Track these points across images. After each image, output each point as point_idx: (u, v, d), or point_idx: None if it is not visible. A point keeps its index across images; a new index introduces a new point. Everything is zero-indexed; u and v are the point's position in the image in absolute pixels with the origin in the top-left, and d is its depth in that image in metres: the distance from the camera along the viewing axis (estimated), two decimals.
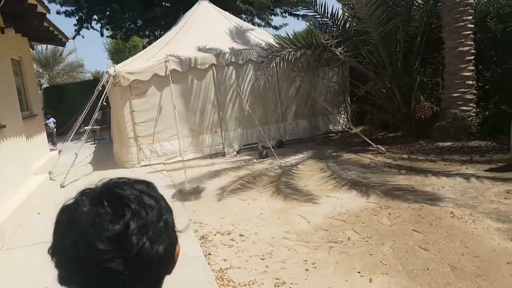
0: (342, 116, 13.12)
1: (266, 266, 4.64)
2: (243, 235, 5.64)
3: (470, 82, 9.89)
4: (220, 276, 4.51)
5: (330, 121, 13.00)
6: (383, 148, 9.85)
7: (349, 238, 5.19)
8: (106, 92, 11.13)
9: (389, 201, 6.39)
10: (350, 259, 4.64)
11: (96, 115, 17.55)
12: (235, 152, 11.65)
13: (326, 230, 5.52)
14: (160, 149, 11.20)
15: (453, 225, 5.21)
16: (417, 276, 4.07)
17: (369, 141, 10.20)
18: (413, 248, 4.69)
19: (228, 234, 5.74)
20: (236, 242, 5.44)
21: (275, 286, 4.20)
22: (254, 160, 10.67)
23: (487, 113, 9.77)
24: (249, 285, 4.28)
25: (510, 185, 6.49)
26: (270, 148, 10.41)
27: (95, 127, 17.16)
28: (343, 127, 13.20)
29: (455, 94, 9.99)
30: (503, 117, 9.08)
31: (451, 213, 5.62)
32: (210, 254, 5.14)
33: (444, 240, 4.78)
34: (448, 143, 9.77)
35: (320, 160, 9.91)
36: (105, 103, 11.38)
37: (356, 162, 9.33)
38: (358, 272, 4.29)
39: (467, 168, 7.83)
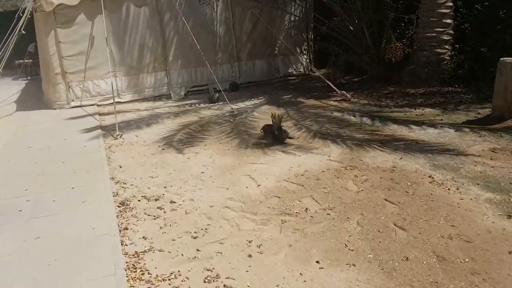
0: (304, 57, 11.80)
1: (198, 250, 3.50)
2: (174, 202, 4.45)
3: (448, 21, 8.77)
4: (133, 265, 3.34)
5: (291, 62, 11.68)
6: (348, 95, 8.72)
7: (307, 209, 4.11)
8: (24, 19, 9.23)
9: (355, 160, 5.33)
10: (306, 240, 3.56)
11: (29, 47, 15.58)
12: (182, 95, 10.21)
13: (279, 198, 4.41)
14: (93, 88, 9.60)
15: (434, 193, 4.22)
16: (393, 271, 3.06)
17: (333, 86, 9.03)
18: (387, 226, 3.66)
19: (156, 200, 4.53)
20: (165, 212, 4.25)
21: (204, 281, 3.08)
22: (203, 105, 9.33)
23: (463, 56, 8.74)
24: (168, 279, 3.13)
25: (494, 142, 5.56)
26: (222, 91, 9.05)
27: (26, 61, 15.11)
28: (305, 69, 11.93)
29: (430, 34, 8.87)
30: (481, 62, 8.10)
31: (429, 177, 4.63)
32: (127, 229, 3.94)
33: (424, 216, 3.78)
34: (420, 90, 8.79)
35: (278, 107, 8.70)
36: (23, 32, 9.46)
37: (318, 110, 8.19)
38: (317, 262, 3.23)
39: (441, 119, 6.87)
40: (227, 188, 4.75)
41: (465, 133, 6.04)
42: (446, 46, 8.86)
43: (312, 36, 11.95)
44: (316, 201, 4.29)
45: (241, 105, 9.15)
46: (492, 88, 7.46)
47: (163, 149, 6.32)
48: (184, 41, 9.92)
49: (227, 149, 6.17)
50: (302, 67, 11.82)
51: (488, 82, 7.89)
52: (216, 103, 9.36)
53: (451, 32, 8.83)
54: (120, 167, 5.63)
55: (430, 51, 8.83)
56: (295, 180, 4.85)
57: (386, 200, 4.17)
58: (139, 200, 4.55)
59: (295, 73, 11.79)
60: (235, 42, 10.70)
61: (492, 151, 5.24)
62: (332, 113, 7.91)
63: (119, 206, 4.42)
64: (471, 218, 3.68)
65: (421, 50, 8.98)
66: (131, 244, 3.66)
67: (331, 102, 8.78)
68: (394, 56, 8.88)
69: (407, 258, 3.18)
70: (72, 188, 4.88)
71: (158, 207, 4.35)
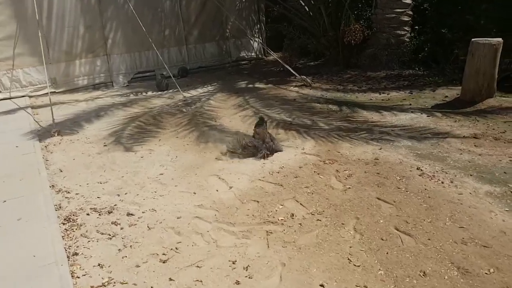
0: (257, 39, 11.15)
1: (171, 280, 2.82)
2: (132, 215, 3.70)
3: (407, 1, 8.49)
4: None
5: (243, 46, 11.01)
6: (308, 80, 8.22)
7: (293, 215, 3.54)
8: None
9: (332, 152, 4.82)
10: (301, 256, 2.99)
11: None
12: (125, 82, 9.23)
13: (258, 202, 3.81)
14: (23, 77, 8.40)
15: (428, 188, 3.80)
16: None
17: (293, 71, 8.49)
18: (389, 232, 3.17)
19: (109, 212, 3.76)
20: (122, 229, 3.50)
21: None
22: (151, 93, 8.46)
23: (423, 38, 8.52)
24: None
25: (473, 128, 5.29)
26: (171, 77, 8.22)
27: None
28: (257, 53, 11.31)
29: (389, 15, 8.56)
30: (442, 43, 7.89)
31: (418, 169, 4.22)
32: (76, 254, 3.16)
33: (427, 216, 3.34)
34: (380, 73, 8.48)
35: (235, 93, 8.05)
36: None
37: (279, 97, 7.62)
38: (321, 286, 2.65)
39: (410, 104, 6.56)
40: (194, 193, 4.07)
41: (438, 118, 5.74)
42: (406, 28, 8.59)
43: (264, 18, 11.31)
44: (301, 204, 3.73)
45: (194, 92, 8.39)
46: (456, 70, 7.28)
47: (109, 147, 5.47)
48: (126, 22, 8.93)
49: (186, 144, 5.45)
50: (254, 51, 11.19)
51: (451, 64, 7.71)
52: (166, 91, 8.54)
53: (410, 13, 8.57)
54: (61, 171, 4.75)
55: (390, 33, 8.53)
56: (272, 179, 4.26)
57: (379, 199, 3.70)
58: (88, 214, 3.76)
59: (247, 57, 11.15)
60: (182, 23, 9.83)
61: (474, 137, 4.94)
62: (295, 100, 7.38)
63: (64, 223, 3.61)
64: (478, 217, 3.29)
65: (381, 32, 8.66)
66: (84, 275, 2.91)
67: (292, 87, 8.25)
68: (354, 38, 8.49)
69: (425, 272, 2.70)
70: (4, 201, 3.98)
71: (112, 222, 3.59)
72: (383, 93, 7.30)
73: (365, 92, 7.49)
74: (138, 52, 9.24)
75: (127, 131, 6.11)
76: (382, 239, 3.10)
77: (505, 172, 4.01)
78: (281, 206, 3.72)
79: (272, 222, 3.47)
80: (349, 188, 3.95)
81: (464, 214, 3.34)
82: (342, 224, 3.35)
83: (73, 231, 3.48)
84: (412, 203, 3.56)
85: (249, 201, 3.85)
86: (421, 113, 6.02)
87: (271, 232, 3.32)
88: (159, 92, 8.47)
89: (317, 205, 3.68)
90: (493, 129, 5.18)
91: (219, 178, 4.39)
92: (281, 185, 4.10)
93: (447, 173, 4.09)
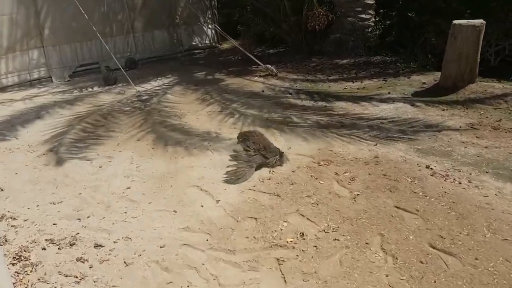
0: (210, 26, 10.34)
1: None
2: (101, 246, 2.92)
3: None
4: None
5: (195, 33, 10.17)
6: (274, 69, 7.60)
7: (302, 234, 2.93)
8: None
9: (324, 152, 4.26)
10: None
11: None
12: (66, 77, 8.12)
13: (256, 219, 3.15)
14: None
15: (448, 191, 3.33)
16: None
17: (256, 59, 7.82)
18: (427, 252, 2.65)
19: (72, 245, 2.96)
20: (91, 267, 2.72)
21: None
22: (98, 88, 7.47)
23: (388, 21, 8.17)
24: None
25: (465, 116, 4.95)
26: (118, 69, 7.29)
27: None
28: (211, 41, 10.52)
29: None
30: (409, 27, 7.57)
31: (427, 167, 3.76)
32: None
33: (461, 228, 2.86)
34: (348, 60, 8.04)
35: (195, 86, 7.27)
36: None
37: (245, 89, 6.95)
38: None
39: (388, 92, 6.15)
40: (175, 212, 3.34)
41: (425, 108, 5.36)
42: (370, 12, 8.22)
43: (216, 3, 10.51)
44: (307, 218, 3.13)
45: (148, 86, 7.52)
46: (429, 54, 6.98)
47: (58, 155, 4.56)
48: (64, 9, 7.78)
49: (151, 148, 4.66)
50: (208, 39, 10.39)
51: (419, 48, 7.41)
52: (115, 85, 7.59)
53: None
54: (2, 190, 3.81)
55: (355, 17, 8.10)
56: (264, 187, 3.62)
57: (398, 207, 3.17)
58: (44, 249, 2.93)
59: (201, 45, 10.35)
60: (128, 9, 8.81)
61: (472, 128, 4.58)
62: (263, 91, 6.75)
63: (13, 263, 2.76)
64: None
65: (345, 17, 8.21)
66: None
67: (256, 78, 7.61)
68: (318, 23, 7.97)
69: None
70: None
71: (78, 259, 2.80)
72: (356, 81, 6.85)
73: (336, 81, 7.01)
74: (79, 42, 8.16)
75: (75, 135, 5.20)
76: (422, 262, 2.56)
77: None
78: (284, 223, 3.09)
79: (280, 246, 2.83)
80: (358, 195, 3.39)
81: (501, 222, 2.89)
82: (366, 243, 2.79)
83: (27, 274, 2.65)
84: (438, 211, 3.07)
85: (244, 218, 3.18)
86: (404, 102, 5.61)
87: (283, 260, 2.68)
88: (107, 87, 7.50)
89: (327, 220, 3.09)
90: (487, 117, 4.86)
91: (201, 189, 3.69)
92: (278, 196, 3.47)
93: (460, 171, 3.66)
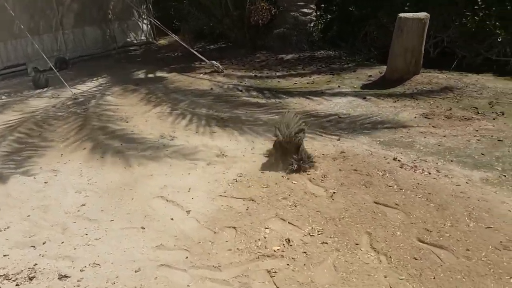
0: (145, 21, 9.84)
1: None
2: (67, 276, 2.58)
3: None
4: None
5: (129, 29, 9.62)
6: (220, 66, 7.36)
7: (288, 240, 2.76)
8: None
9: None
10: None
11: None
12: None
13: (235, 228, 2.94)
14: None
15: (421, 182, 3.36)
16: None
17: (201, 56, 7.53)
18: (418, 248, 2.62)
19: (31, 278, 2.59)
20: None
21: None
22: (28, 92, 6.78)
23: (329, 16, 8.25)
24: None
25: (416, 107, 5.08)
26: (48, 70, 6.66)
27: None
28: (147, 37, 10.02)
29: None
30: (349, 21, 7.70)
31: (395, 160, 3.78)
32: None
33: (443, 219, 2.88)
34: (293, 55, 7.99)
35: (136, 86, 6.84)
36: None
37: (192, 87, 6.66)
38: None
39: (338, 86, 6.19)
40: (143, 228, 3.03)
41: (376, 100, 5.43)
42: (312, 6, 8.23)
43: None
44: (289, 223, 2.98)
45: (83, 87, 6.96)
46: (371, 48, 7.13)
47: None
48: None
49: (100, 157, 4.26)
50: (144, 34, 9.87)
51: (360, 42, 7.56)
52: (46, 88, 6.93)
53: None
54: None
55: (297, 12, 8.08)
56: (236, 192, 3.41)
57: (377, 203, 3.13)
58: None
59: (136, 42, 9.81)
60: (56, 4, 8.09)
61: (426, 118, 4.70)
62: (211, 89, 6.49)
63: None
64: (495, 211, 2.91)
65: (288, 11, 8.16)
66: None
67: (201, 75, 7.32)
68: (261, 18, 7.85)
69: None
70: None
71: None
72: (304, 76, 6.82)
73: (284, 76, 6.93)
74: (3, 42, 7.32)
75: (9, 147, 4.64)
76: (416, 259, 2.52)
77: (482, 154, 3.77)
78: (266, 230, 2.92)
79: (268, 256, 2.65)
80: (334, 193, 3.30)
81: (480, 210, 2.93)
82: (356, 244, 2.69)
83: None
84: (417, 204, 3.06)
85: (222, 228, 2.96)
86: (356, 96, 5.66)
87: (274, 272, 2.51)
88: (38, 91, 6.83)
89: (310, 222, 2.96)
90: (437, 107, 5.02)
91: (166, 200, 3.40)
92: (253, 200, 3.28)
93: (427, 162, 3.71)
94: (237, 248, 2.74)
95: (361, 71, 6.76)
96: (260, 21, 7.80)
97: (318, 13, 8.27)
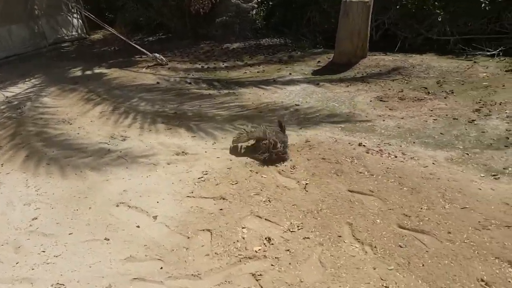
0: (76, 16, 9.18)
1: None
2: None
3: None
4: None
5: (60, 24, 8.92)
6: (163, 58, 7.02)
7: (268, 239, 2.64)
8: None
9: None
10: None
11: None
12: None
13: (209, 231, 2.76)
14: None
15: (389, 167, 3.36)
16: None
17: (141, 49, 7.14)
18: (401, 234, 2.59)
19: None
20: None
21: None
22: None
23: (271, 2, 8.14)
24: None
25: (369, 90, 5.13)
26: None
27: None
28: (79, 32, 9.37)
29: None
30: (291, 8, 7.65)
31: (359, 145, 3.77)
32: None
33: (419, 203, 2.88)
34: (238, 44, 7.81)
35: (73, 84, 6.36)
36: None
37: (136, 82, 6.29)
38: None
39: (290, 73, 6.12)
40: (107, 240, 2.76)
41: (330, 86, 5.42)
42: None
43: None
44: (266, 219, 2.85)
45: (15, 90, 6.36)
46: (316, 33, 7.12)
47: None
48: None
49: (46, 164, 3.88)
50: (75, 29, 9.21)
51: (303, 28, 7.54)
52: None
53: None
54: None
55: None
56: (205, 191, 3.22)
57: (352, 191, 3.08)
58: None
59: (67, 38, 9.14)
60: None
61: (381, 100, 4.75)
62: (158, 83, 6.17)
63: None
64: (467, 190, 2.96)
65: None
66: None
67: (144, 69, 6.94)
68: (202, 6, 7.57)
69: (483, 280, 2.19)
70: None
71: None
72: (253, 65, 6.68)
73: (233, 67, 6.74)
74: None
75: None
76: (401, 246, 2.49)
77: (441, 133, 3.85)
78: (244, 230, 2.76)
79: (249, 258, 2.51)
80: (307, 184, 3.21)
81: (452, 190, 2.97)
82: (339, 236, 2.62)
83: None
84: (391, 189, 3.05)
85: (195, 232, 2.77)
86: (308, 83, 5.61)
87: (259, 275, 2.37)
88: None
89: (288, 217, 2.84)
90: (389, 89, 5.09)
91: (129, 206, 3.14)
92: (224, 199, 3.11)
93: (391, 145, 3.72)
94: (215, 253, 2.56)
95: (309, 57, 6.73)
96: (201, 9, 7.52)
97: (259, 0, 8.11)
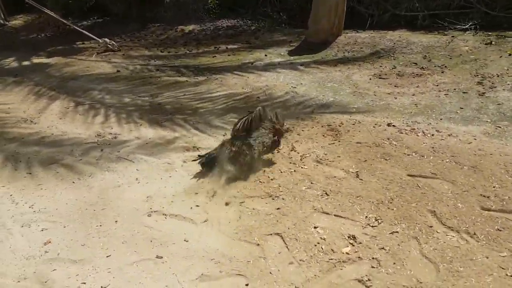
0: None
1: None
2: None
3: None
4: None
5: None
6: (114, 43, 6.24)
7: (353, 236, 2.31)
8: None
9: None
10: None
11: None
12: None
13: (278, 235, 2.37)
14: None
15: (434, 146, 3.19)
16: None
17: (90, 34, 6.26)
18: (490, 217, 2.41)
19: None
20: None
21: None
22: None
23: None
24: None
25: (362, 69, 4.96)
26: None
27: None
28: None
29: None
30: None
31: (389, 125, 3.54)
32: None
33: (490, 182, 2.71)
34: (193, 26, 7.22)
35: (13, 78, 5.40)
36: None
37: (92, 71, 5.50)
38: None
39: (266, 55, 5.76)
40: (159, 257, 2.27)
41: (316, 67, 5.17)
42: None
43: None
44: (336, 215, 2.52)
45: None
46: (281, 12, 6.81)
47: None
48: None
49: (27, 174, 3.16)
50: None
51: (260, 8, 7.17)
52: None
53: None
54: None
55: None
56: (247, 190, 2.77)
57: (412, 175, 2.84)
58: None
59: None
60: None
61: (381, 78, 4.59)
62: (118, 71, 5.45)
63: None
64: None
65: None
66: None
67: (94, 57, 6.10)
68: None
69: None
70: None
71: None
72: (219, 49, 6.18)
73: (199, 52, 6.19)
74: None
75: None
76: (499, 230, 2.29)
77: (461, 108, 3.76)
78: (317, 230, 2.40)
79: (343, 261, 2.17)
80: (358, 172, 2.90)
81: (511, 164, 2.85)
82: (430, 227, 2.35)
83: None
84: (452, 170, 2.86)
85: (263, 238, 2.37)
86: (291, 64, 5.33)
87: (368, 279, 2.06)
88: None
89: (359, 211, 2.54)
90: (380, 66, 4.98)
91: (164, 214, 2.62)
92: (275, 196, 2.71)
93: (419, 123, 3.56)
94: (300, 260, 2.17)
95: (278, 38, 6.40)
96: None
97: None
